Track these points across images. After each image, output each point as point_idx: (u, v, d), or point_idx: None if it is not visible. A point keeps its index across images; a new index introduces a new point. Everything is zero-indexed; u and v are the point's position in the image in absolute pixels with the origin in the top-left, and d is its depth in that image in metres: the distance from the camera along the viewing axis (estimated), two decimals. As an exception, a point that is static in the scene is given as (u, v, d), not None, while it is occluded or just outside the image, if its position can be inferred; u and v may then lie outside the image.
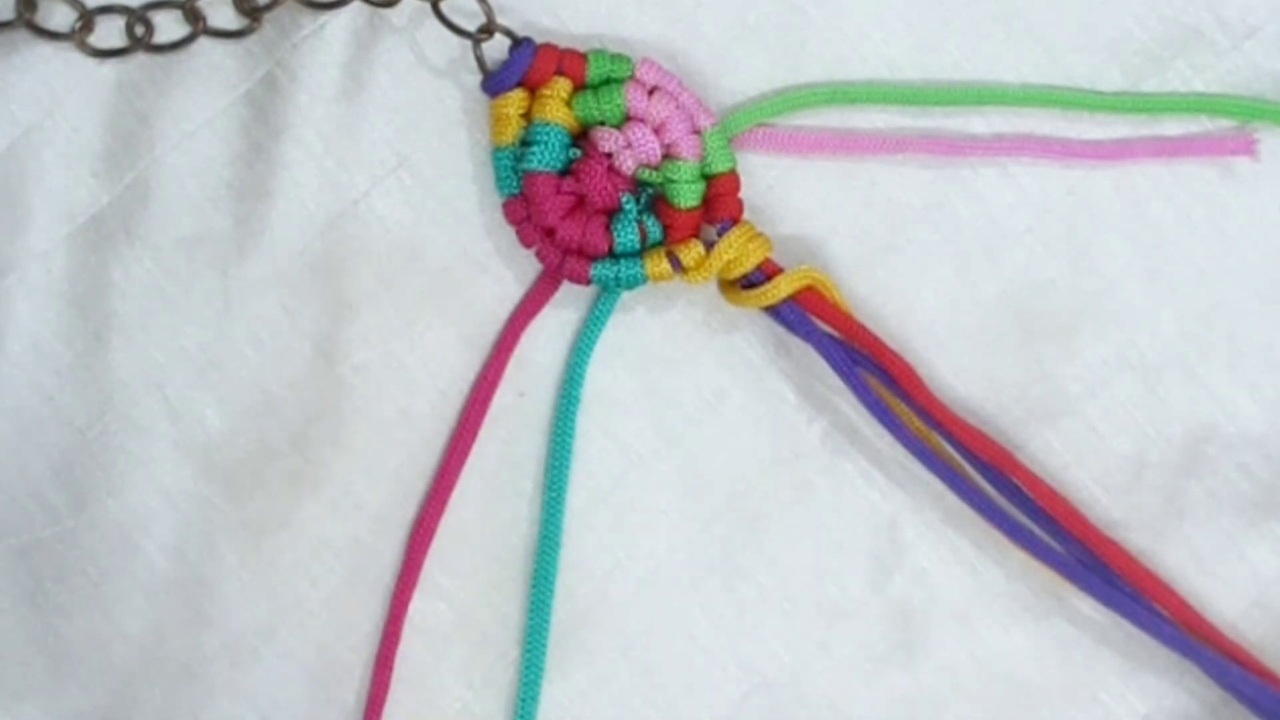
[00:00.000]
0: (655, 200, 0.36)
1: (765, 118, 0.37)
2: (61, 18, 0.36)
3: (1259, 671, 0.36)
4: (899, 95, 0.37)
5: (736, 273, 0.36)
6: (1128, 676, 0.37)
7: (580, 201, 0.36)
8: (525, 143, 0.36)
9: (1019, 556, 0.37)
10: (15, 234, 0.36)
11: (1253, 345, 0.38)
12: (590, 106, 0.36)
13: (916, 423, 0.37)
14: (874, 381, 0.37)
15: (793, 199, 0.38)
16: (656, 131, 0.36)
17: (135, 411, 0.37)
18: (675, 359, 0.38)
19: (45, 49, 0.36)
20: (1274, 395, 0.38)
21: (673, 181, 0.36)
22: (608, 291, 0.37)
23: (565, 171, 0.36)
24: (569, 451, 0.37)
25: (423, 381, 0.37)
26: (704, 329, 0.38)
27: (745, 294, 0.36)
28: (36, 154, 0.36)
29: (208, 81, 0.37)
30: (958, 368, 0.38)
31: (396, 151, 0.37)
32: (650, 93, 0.36)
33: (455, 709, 0.37)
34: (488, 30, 0.36)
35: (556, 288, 0.37)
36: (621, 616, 0.37)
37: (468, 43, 0.36)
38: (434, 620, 0.37)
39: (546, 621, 0.37)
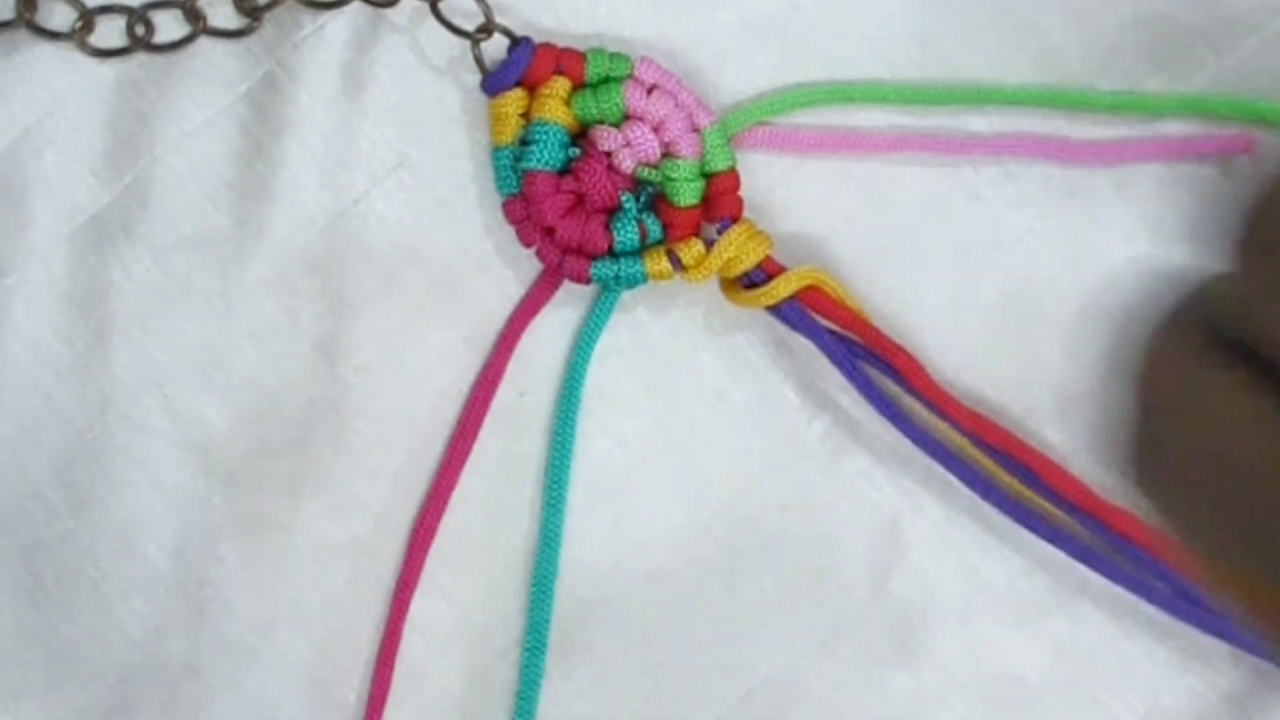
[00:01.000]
0: (655, 199, 0.36)
1: (765, 116, 0.37)
2: (62, 18, 0.36)
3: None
4: (899, 95, 0.37)
5: (737, 271, 0.36)
6: (1127, 676, 0.37)
7: (580, 200, 0.36)
8: (524, 142, 0.36)
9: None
10: (15, 233, 0.36)
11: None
12: (589, 105, 0.36)
13: (923, 414, 0.37)
14: (878, 377, 0.37)
15: (793, 198, 0.38)
16: (655, 130, 0.36)
17: (136, 411, 0.37)
18: (676, 359, 0.38)
19: (45, 49, 0.36)
20: None
21: (672, 180, 0.35)
22: (608, 290, 0.37)
23: (565, 171, 0.36)
24: (570, 450, 0.37)
25: (423, 381, 0.37)
26: (705, 329, 0.38)
27: (747, 294, 0.36)
28: (37, 154, 0.36)
29: (208, 81, 0.37)
30: (958, 366, 0.38)
31: (397, 151, 0.37)
32: (649, 91, 0.36)
33: (456, 709, 0.37)
34: (486, 30, 0.36)
35: (557, 287, 0.37)
36: (623, 616, 0.37)
37: (467, 43, 0.36)
38: (435, 620, 0.37)
39: (547, 621, 0.37)
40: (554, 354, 0.37)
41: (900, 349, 0.36)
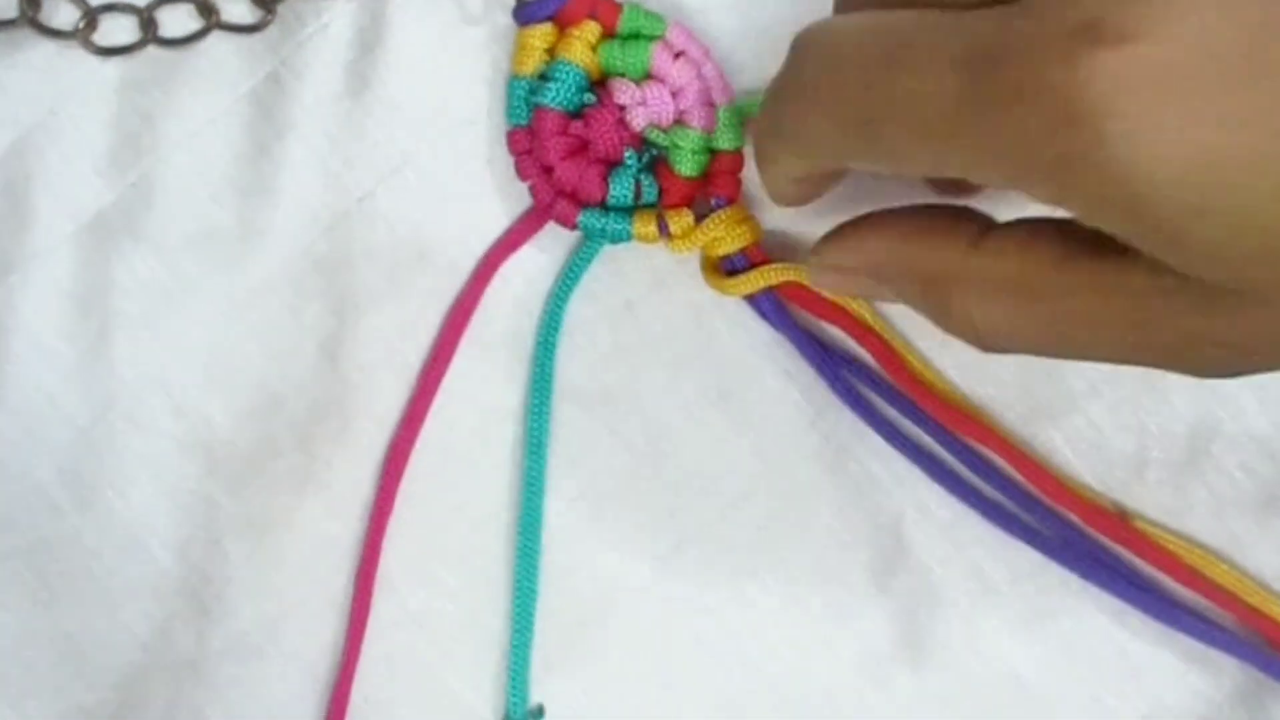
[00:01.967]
0: (656, 162, 0.36)
1: None
2: (66, 16, 0.36)
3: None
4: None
5: (720, 251, 0.36)
6: (1130, 677, 0.37)
7: (584, 146, 0.36)
8: (544, 77, 0.36)
9: (1024, 557, 0.37)
10: (19, 233, 0.36)
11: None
12: (615, 56, 0.36)
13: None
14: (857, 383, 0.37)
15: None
16: (674, 95, 0.36)
17: (140, 410, 0.36)
18: (679, 359, 0.38)
19: (49, 47, 0.36)
20: (1278, 394, 0.38)
21: (678, 147, 0.36)
22: (590, 241, 0.37)
23: (576, 114, 0.36)
24: (548, 400, 0.37)
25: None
26: (708, 329, 0.38)
27: (727, 280, 0.36)
28: (40, 152, 0.36)
29: (212, 80, 0.36)
30: (961, 365, 0.38)
31: (402, 150, 0.37)
32: (676, 56, 0.36)
33: (457, 709, 0.38)
34: None
35: (540, 227, 0.37)
36: (625, 617, 0.38)
37: (474, 40, 0.36)
38: (437, 620, 0.37)
39: (532, 599, 0.37)
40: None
41: (879, 337, 0.36)
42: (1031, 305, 0.28)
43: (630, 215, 0.36)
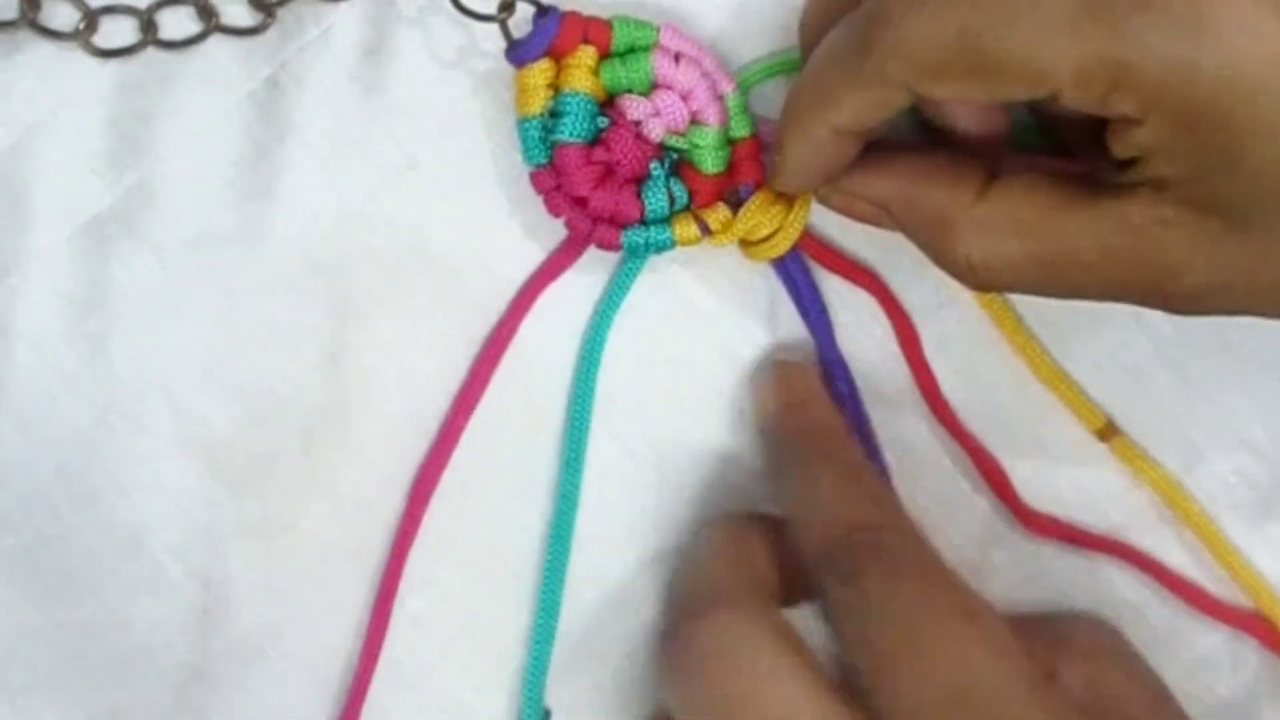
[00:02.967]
0: (677, 165, 0.36)
1: (774, 75, 0.36)
2: (66, 17, 0.35)
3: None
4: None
5: (761, 234, 0.36)
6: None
7: (609, 170, 0.35)
8: (554, 114, 0.35)
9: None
10: (18, 234, 0.35)
11: (1250, 348, 0.38)
12: (618, 74, 0.35)
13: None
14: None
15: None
16: (684, 98, 0.35)
17: (139, 412, 0.36)
18: (680, 359, 0.37)
19: (48, 48, 0.35)
20: (1271, 399, 0.38)
21: (698, 147, 0.35)
22: (633, 258, 0.37)
23: (593, 141, 0.35)
24: (587, 416, 0.37)
25: (430, 384, 0.37)
26: (711, 328, 0.38)
27: (759, 248, 0.36)
28: (39, 154, 0.35)
29: (211, 82, 0.36)
30: (958, 367, 0.38)
31: (405, 153, 0.36)
32: (676, 59, 0.35)
33: (457, 710, 0.38)
34: (510, 5, 0.35)
35: (579, 254, 0.37)
36: (629, 618, 0.38)
37: (475, 43, 0.36)
38: (439, 622, 0.37)
39: (555, 616, 0.37)
40: (567, 353, 0.37)
41: (897, 304, 0.37)
42: (1030, 246, 0.30)
43: (668, 223, 0.36)
